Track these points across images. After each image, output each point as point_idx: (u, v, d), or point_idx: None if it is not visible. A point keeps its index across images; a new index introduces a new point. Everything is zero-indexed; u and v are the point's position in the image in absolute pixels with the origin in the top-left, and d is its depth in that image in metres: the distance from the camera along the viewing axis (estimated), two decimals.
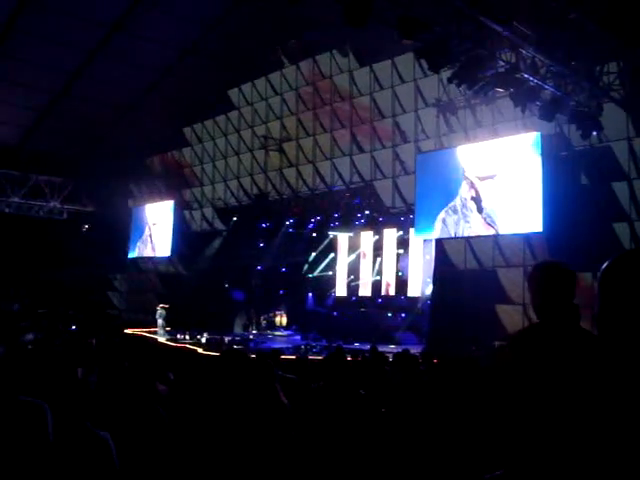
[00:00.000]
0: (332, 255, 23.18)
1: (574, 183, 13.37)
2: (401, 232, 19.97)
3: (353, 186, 19.12)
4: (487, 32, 9.22)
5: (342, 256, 22.48)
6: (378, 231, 20.80)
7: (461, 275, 15.62)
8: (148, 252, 25.91)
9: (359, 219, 20.89)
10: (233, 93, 21.88)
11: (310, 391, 4.17)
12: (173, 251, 24.31)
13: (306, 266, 24.10)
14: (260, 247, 23.42)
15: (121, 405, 3.33)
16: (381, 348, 10.91)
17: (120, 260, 27.13)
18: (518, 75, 10.06)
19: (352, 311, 21.60)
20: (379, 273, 21.16)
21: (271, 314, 24.13)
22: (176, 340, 18.86)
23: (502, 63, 9.99)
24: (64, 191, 26.53)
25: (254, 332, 22.67)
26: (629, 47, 10.57)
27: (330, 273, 23.36)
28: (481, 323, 13.80)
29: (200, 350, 15.96)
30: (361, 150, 18.61)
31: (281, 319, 24.02)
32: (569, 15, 9.54)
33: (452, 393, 4.13)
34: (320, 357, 12.81)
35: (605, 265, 1.52)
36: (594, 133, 11.90)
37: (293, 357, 12.86)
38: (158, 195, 25.82)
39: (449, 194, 15.26)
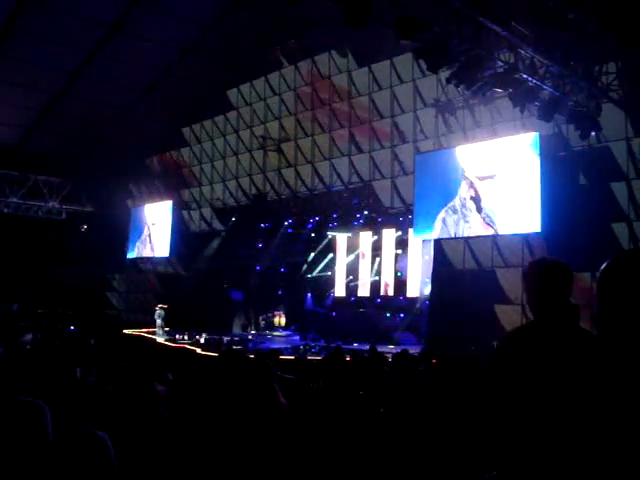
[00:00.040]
0: (331, 255, 23.17)
1: (573, 183, 13.37)
2: (400, 232, 19.97)
3: (352, 186, 19.11)
4: (486, 32, 9.22)
5: (341, 256, 22.47)
6: (377, 231, 20.79)
7: (460, 275, 15.61)
8: (147, 252, 25.90)
9: (358, 219, 20.88)
10: (232, 93, 21.88)
11: (309, 391, 4.17)
12: (172, 251, 24.29)
13: (305, 266, 24.09)
14: (259, 247, 23.42)
15: (120, 405, 3.33)
16: (380, 348, 10.92)
17: (119, 260, 27.12)
18: (517, 75, 10.07)
19: (351, 311, 21.59)
20: (378, 273, 21.15)
21: (270, 314, 24.13)
22: (175, 340, 18.85)
23: (501, 63, 9.99)
24: (63, 191, 26.51)
25: (253, 332, 22.66)
26: (628, 47, 10.58)
27: (329, 273, 23.36)
28: (480, 323, 13.79)
29: (199, 350, 15.96)
30: (360, 150, 18.61)
31: (280, 319, 24.02)
32: (568, 15, 9.54)
33: (451, 393, 4.13)
34: (319, 357, 12.80)
35: (604, 265, 1.52)
36: (593, 133, 11.91)
37: (292, 357, 12.85)
38: (157, 195, 25.81)
39: (448, 194, 15.27)
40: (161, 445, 3.15)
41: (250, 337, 20.81)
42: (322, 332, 19.83)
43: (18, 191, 25.47)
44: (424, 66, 11.72)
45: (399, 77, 16.87)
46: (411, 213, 16.72)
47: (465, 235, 15.12)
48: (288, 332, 22.89)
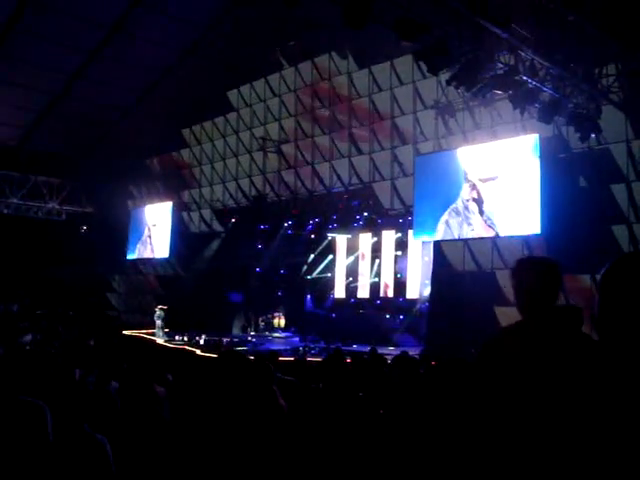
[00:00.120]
0: (331, 257, 23.14)
1: (573, 185, 13.37)
2: (400, 234, 19.97)
3: (352, 188, 19.12)
4: (486, 34, 9.23)
5: (341, 258, 22.45)
6: (376, 233, 20.77)
7: (459, 277, 15.61)
8: (147, 253, 25.89)
9: (357, 221, 20.86)
10: (232, 95, 21.89)
11: (309, 393, 4.16)
12: (172, 252, 24.29)
13: (305, 268, 24.04)
14: (258, 249, 23.39)
15: (119, 406, 3.33)
16: (379, 349, 10.92)
17: (119, 261, 27.11)
18: (517, 77, 10.08)
19: (351, 313, 21.57)
20: (377, 275, 21.13)
21: (269, 316, 24.09)
22: (174, 341, 18.83)
23: (501, 65, 10.00)
24: (63, 192, 26.51)
25: (252, 333, 22.64)
26: (628, 49, 10.59)
27: (329, 275, 23.32)
28: (480, 325, 13.76)
29: (198, 351, 15.95)
30: (360, 152, 18.62)
31: (279, 321, 23.98)
32: (568, 17, 9.55)
33: (450, 395, 4.13)
34: (319, 359, 12.81)
35: (605, 268, 1.51)
36: (593, 135, 11.90)
37: (292, 359, 12.87)
38: (157, 196, 25.81)
39: (449, 196, 15.25)
40: (161, 446, 3.14)
41: (250, 338, 20.79)
42: (322, 333, 19.81)
43: (18, 192, 25.46)
44: (424, 68, 11.73)
45: (399, 79, 16.88)
46: (411, 215, 16.71)
47: (468, 237, 15.12)
48: (288, 333, 22.86)
